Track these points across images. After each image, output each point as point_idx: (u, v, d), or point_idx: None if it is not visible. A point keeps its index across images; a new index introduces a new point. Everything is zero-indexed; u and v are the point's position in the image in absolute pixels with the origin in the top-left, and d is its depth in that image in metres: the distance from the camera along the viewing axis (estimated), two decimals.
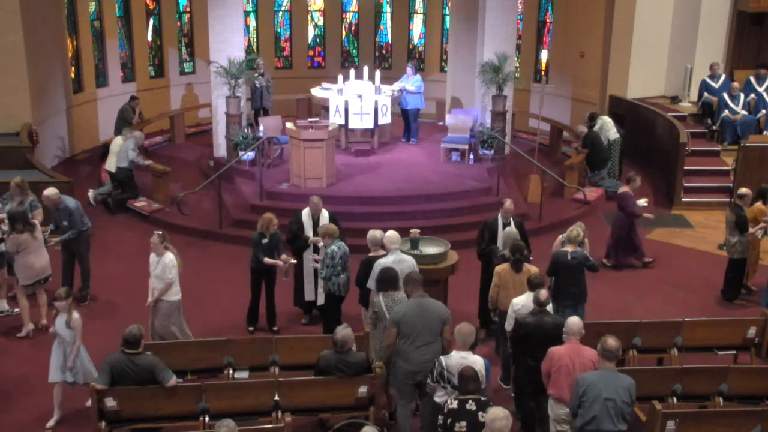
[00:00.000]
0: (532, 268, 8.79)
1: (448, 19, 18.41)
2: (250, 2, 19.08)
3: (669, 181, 14.97)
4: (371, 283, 8.67)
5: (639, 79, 16.95)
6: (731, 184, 14.40)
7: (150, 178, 14.12)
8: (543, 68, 18.51)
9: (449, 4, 17.93)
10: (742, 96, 15.56)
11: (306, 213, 10.23)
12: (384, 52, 20.16)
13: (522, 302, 8.23)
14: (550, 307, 8.12)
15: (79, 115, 16.55)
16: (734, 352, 9.17)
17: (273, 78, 16.86)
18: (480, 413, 6.42)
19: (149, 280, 9.20)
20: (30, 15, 14.45)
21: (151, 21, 18.06)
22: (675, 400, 8.04)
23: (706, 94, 15.93)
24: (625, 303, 11.11)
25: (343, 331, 7.60)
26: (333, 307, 9.53)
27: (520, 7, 17.10)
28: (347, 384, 7.67)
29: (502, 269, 8.94)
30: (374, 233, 9.12)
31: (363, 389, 7.71)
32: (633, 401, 6.89)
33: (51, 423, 8.27)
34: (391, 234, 8.90)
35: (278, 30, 19.70)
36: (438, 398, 7.18)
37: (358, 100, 15.00)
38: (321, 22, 19.94)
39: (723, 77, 16.03)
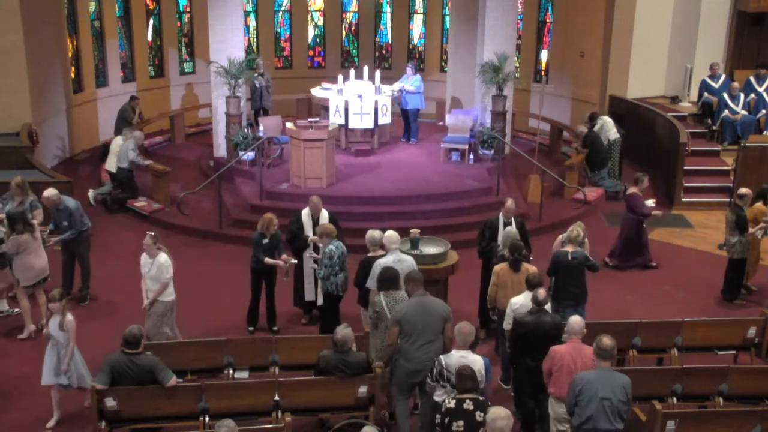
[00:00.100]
0: (530, 268, 8.80)
1: (448, 19, 18.42)
2: (250, 2, 19.08)
3: (669, 181, 14.97)
4: (371, 283, 8.68)
5: (639, 79, 16.95)
6: (731, 184, 14.40)
7: (150, 178, 14.12)
8: (543, 68, 18.51)
9: (449, 4, 17.93)
10: (742, 96, 15.57)
11: (306, 213, 10.23)
12: (384, 52, 20.16)
13: (520, 301, 8.24)
14: (548, 307, 8.13)
15: (79, 115, 16.55)
16: (734, 352, 9.17)
17: (273, 78, 16.86)
18: (477, 413, 6.44)
19: (141, 282, 9.17)
20: (30, 15, 14.45)
21: (151, 21, 18.06)
22: (675, 400, 8.04)
23: (706, 94, 15.94)
24: (625, 303, 11.11)
25: (343, 330, 7.60)
26: (331, 306, 9.53)
27: (520, 7, 17.10)
28: (347, 384, 7.67)
29: (501, 269, 8.95)
30: (373, 233, 9.12)
31: (363, 389, 7.71)
32: (629, 399, 6.90)
33: (51, 423, 8.27)
34: (391, 234, 8.90)
35: (278, 30, 19.70)
36: (437, 397, 7.19)
37: (358, 100, 15.00)
38: (321, 22, 19.94)
39: (723, 77, 16.03)
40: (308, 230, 10.11)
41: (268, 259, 9.79)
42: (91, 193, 14.11)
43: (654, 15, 16.68)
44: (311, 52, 20.11)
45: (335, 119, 14.82)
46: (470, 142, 15.18)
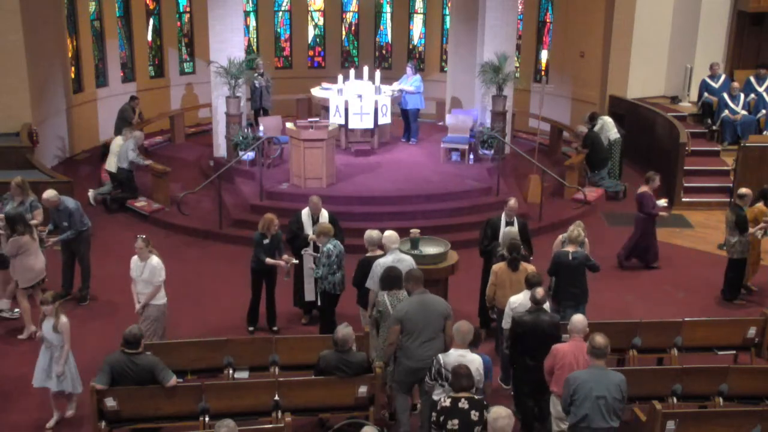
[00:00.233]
0: (529, 267, 8.81)
1: (448, 19, 18.41)
2: (250, 2, 19.08)
3: (669, 181, 14.95)
4: (370, 284, 8.69)
5: (639, 79, 16.95)
6: (731, 184, 14.40)
7: (150, 178, 14.11)
8: (543, 68, 18.51)
9: (449, 4, 17.93)
10: (742, 96, 15.57)
11: (306, 213, 10.23)
12: (384, 52, 20.16)
13: (519, 300, 8.25)
14: (547, 306, 8.13)
15: (79, 115, 16.55)
16: (734, 352, 9.17)
17: (273, 78, 16.86)
18: (473, 411, 6.47)
19: (132, 286, 9.09)
20: (30, 15, 14.45)
21: (151, 21, 18.06)
22: (675, 400, 8.04)
23: (706, 94, 15.94)
24: (625, 303, 11.11)
25: (344, 330, 7.61)
26: (330, 306, 9.54)
27: (520, 7, 17.10)
28: (347, 384, 7.68)
29: (499, 268, 8.96)
30: (371, 233, 9.13)
31: (363, 389, 7.71)
32: (624, 397, 6.91)
33: (51, 423, 8.26)
34: (390, 234, 8.90)
35: (278, 30, 19.70)
36: (436, 396, 7.21)
37: (358, 100, 15.00)
38: (321, 22, 19.94)
39: (723, 77, 16.03)
40: (308, 230, 10.11)
41: (269, 260, 9.79)
42: (91, 193, 14.11)
43: (654, 15, 16.68)
44: (311, 52, 20.11)
45: (335, 119, 14.82)
46: (470, 142, 15.18)
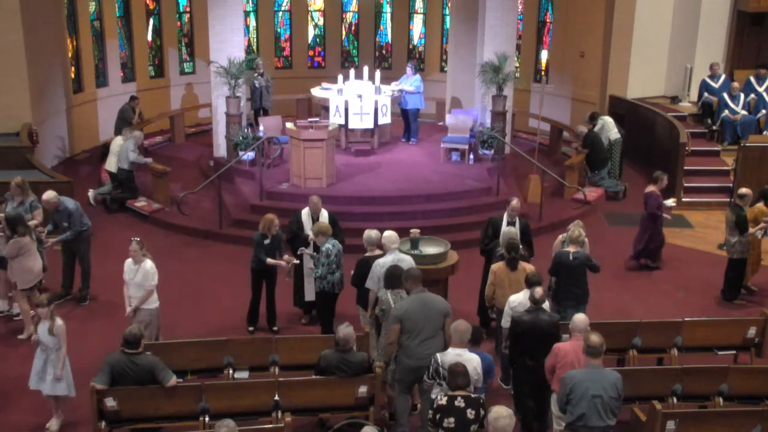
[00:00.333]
0: (527, 267, 8.81)
1: (448, 19, 18.41)
2: (250, 2, 19.08)
3: (669, 181, 14.88)
4: (370, 284, 8.69)
5: (639, 79, 16.95)
6: (731, 184, 14.40)
7: (150, 178, 14.12)
8: (543, 68, 18.51)
9: (449, 4, 17.93)
10: (742, 96, 15.57)
11: (306, 213, 10.24)
12: (384, 52, 20.16)
13: (519, 300, 8.26)
14: (547, 305, 8.13)
15: (79, 115, 16.55)
16: (734, 352, 9.17)
17: (273, 78, 16.86)
18: (469, 410, 6.49)
19: (124, 289, 9.04)
20: (30, 15, 14.45)
21: (151, 21, 18.06)
22: (675, 400, 8.04)
23: (706, 94, 15.94)
24: (625, 303, 11.11)
25: (345, 329, 7.61)
26: (328, 305, 9.54)
27: (520, 7, 17.10)
28: (347, 384, 7.68)
29: (498, 267, 8.97)
30: (370, 233, 9.13)
31: (363, 389, 7.72)
32: (620, 396, 6.92)
33: (54, 426, 8.25)
34: (390, 234, 8.90)
35: (278, 30, 19.70)
36: (434, 395, 7.22)
37: (358, 100, 15.00)
38: (321, 22, 19.94)
39: (723, 77, 16.03)
40: (308, 230, 10.10)
41: (270, 260, 9.79)
42: (91, 193, 14.11)
43: (654, 15, 16.68)
44: (311, 52, 20.11)
45: (335, 119, 14.82)
46: (470, 142, 15.18)
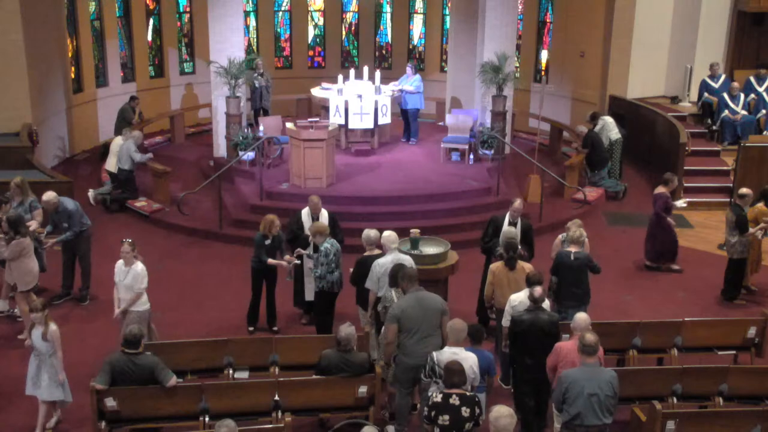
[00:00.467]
0: (526, 266, 8.81)
1: (448, 19, 18.42)
2: (250, 2, 19.09)
3: None
4: (370, 284, 8.69)
5: (639, 79, 16.95)
6: (731, 184, 14.40)
7: (150, 178, 14.12)
8: (543, 68, 18.51)
9: (449, 4, 17.94)
10: (742, 96, 15.57)
11: (305, 212, 10.23)
12: (384, 52, 20.17)
13: (520, 299, 8.26)
14: (547, 305, 8.13)
15: (79, 115, 16.56)
16: (734, 352, 9.17)
17: (273, 78, 16.87)
18: (464, 408, 6.51)
19: (114, 291, 9.00)
20: (30, 15, 14.46)
21: (151, 21, 18.07)
22: (675, 400, 8.04)
23: (706, 94, 15.94)
24: (625, 303, 11.11)
25: (346, 329, 7.62)
26: (327, 305, 9.54)
27: (520, 7, 17.10)
28: (347, 384, 7.68)
29: (496, 267, 8.97)
30: (369, 232, 9.13)
31: (363, 389, 7.72)
32: (617, 393, 6.93)
33: (51, 423, 8.24)
34: (389, 234, 8.90)
35: (278, 30, 19.70)
36: (430, 393, 7.22)
37: (358, 100, 15.00)
38: (321, 22, 19.95)
39: (723, 77, 16.04)
40: (308, 230, 10.10)
41: (271, 260, 9.79)
42: (91, 193, 14.11)
43: (654, 15, 16.68)
44: (311, 52, 20.11)
45: (335, 119, 14.83)
46: (470, 142, 15.18)
